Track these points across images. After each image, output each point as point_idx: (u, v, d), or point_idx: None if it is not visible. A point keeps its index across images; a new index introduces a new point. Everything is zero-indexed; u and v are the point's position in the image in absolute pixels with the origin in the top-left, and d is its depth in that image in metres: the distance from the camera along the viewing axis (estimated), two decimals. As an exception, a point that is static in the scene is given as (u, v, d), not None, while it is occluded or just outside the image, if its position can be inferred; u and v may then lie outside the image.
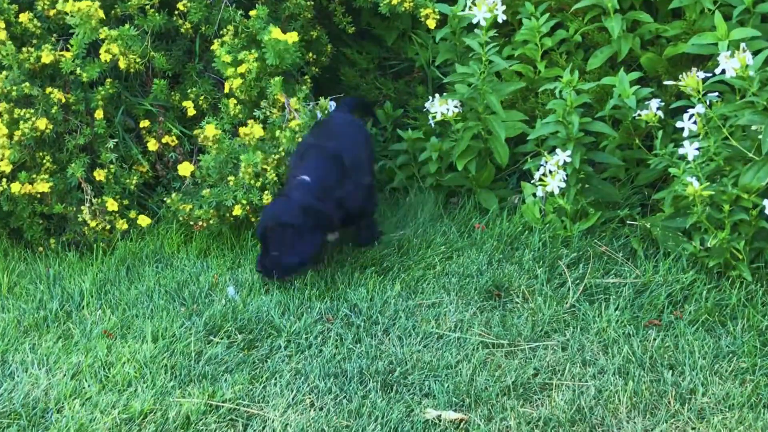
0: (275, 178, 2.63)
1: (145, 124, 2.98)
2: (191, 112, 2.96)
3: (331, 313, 2.31)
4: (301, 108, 2.75)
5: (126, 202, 2.91)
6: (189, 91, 2.99)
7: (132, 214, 2.90)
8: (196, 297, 2.45)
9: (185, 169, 2.75)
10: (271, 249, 2.40)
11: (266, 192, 2.62)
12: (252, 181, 2.62)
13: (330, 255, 2.57)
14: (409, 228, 2.77)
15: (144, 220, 2.84)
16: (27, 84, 2.75)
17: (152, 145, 2.96)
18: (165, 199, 2.88)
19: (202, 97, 2.98)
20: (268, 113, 2.81)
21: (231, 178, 2.67)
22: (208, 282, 2.53)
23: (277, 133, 2.69)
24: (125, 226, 2.85)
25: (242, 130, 2.67)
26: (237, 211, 2.63)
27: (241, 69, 2.77)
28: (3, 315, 2.36)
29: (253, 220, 2.70)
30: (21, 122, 2.73)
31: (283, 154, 2.70)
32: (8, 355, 2.16)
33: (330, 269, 2.52)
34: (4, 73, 2.76)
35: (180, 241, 2.81)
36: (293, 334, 2.21)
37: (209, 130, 2.69)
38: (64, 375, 2.06)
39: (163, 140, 2.98)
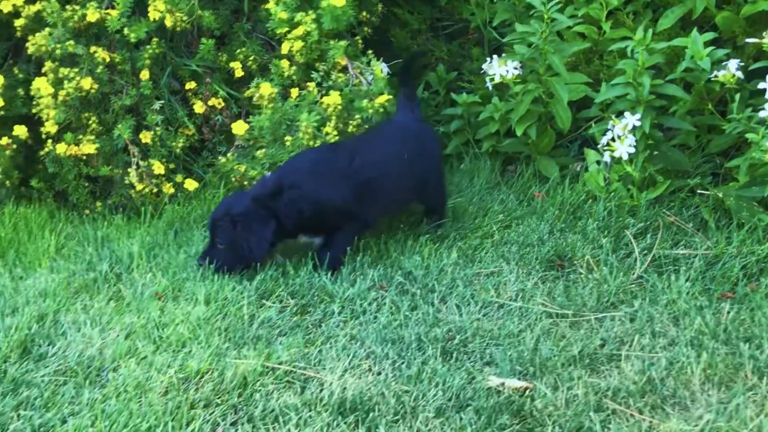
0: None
1: (191, 85, 3.03)
2: (239, 73, 3.01)
3: (385, 280, 2.35)
4: (363, 71, 2.78)
5: (172, 165, 2.98)
6: (237, 51, 3.04)
7: (178, 177, 2.97)
8: (245, 262, 2.52)
9: (239, 127, 2.80)
10: (218, 241, 2.36)
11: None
12: (311, 142, 2.66)
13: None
14: (464, 195, 2.78)
15: (191, 184, 2.91)
16: (71, 42, 2.82)
17: (198, 108, 3.02)
18: (214, 161, 2.95)
19: (251, 58, 3.02)
20: (325, 75, 2.84)
21: (288, 138, 2.71)
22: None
23: (364, 103, 2.73)
24: (172, 190, 2.92)
25: (326, 99, 2.70)
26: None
27: (298, 31, 2.81)
28: (53, 275, 2.46)
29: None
30: (66, 82, 2.81)
31: (360, 120, 2.74)
32: (60, 314, 2.24)
33: (383, 236, 2.55)
34: (48, 30, 2.83)
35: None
36: (347, 301, 2.25)
37: (265, 88, 2.72)
38: (118, 335, 2.14)
39: (210, 102, 3.03)
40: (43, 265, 2.54)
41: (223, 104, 3.05)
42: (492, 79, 2.79)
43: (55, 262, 2.56)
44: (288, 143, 2.72)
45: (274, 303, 2.27)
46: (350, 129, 2.75)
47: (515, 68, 2.74)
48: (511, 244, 2.47)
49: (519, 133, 2.79)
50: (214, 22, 2.98)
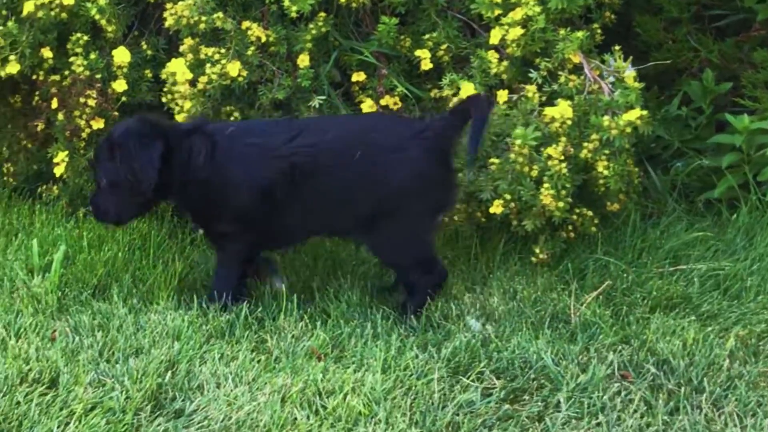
0: (564, 171, 2.85)
1: (359, 77, 3.34)
2: (426, 65, 3.28)
3: (631, 367, 2.49)
4: (604, 73, 2.96)
5: (330, 182, 3.29)
6: (425, 36, 3.32)
7: (333, 198, 3.27)
8: (425, 322, 2.75)
9: (427, 142, 3.05)
10: (99, 176, 2.86)
11: (545, 186, 2.85)
12: (525, 168, 2.88)
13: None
14: (741, 261, 2.88)
15: (349, 209, 3.20)
16: (220, 15, 3.19)
17: (368, 108, 3.29)
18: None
19: (444, 46, 3.29)
20: (548, 76, 3.05)
21: (494, 160, 2.94)
22: (440, 305, 2.82)
23: (605, 120, 2.90)
24: (323, 213, 3.22)
25: (550, 110, 2.92)
26: (496, 208, 2.89)
27: (516, 15, 3.05)
28: (179, 313, 2.79)
29: (514, 223, 2.96)
30: (208, 65, 3.19)
31: (597, 143, 2.91)
32: (194, 363, 2.55)
33: (623, 307, 2.70)
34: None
35: (401, 244, 3.14)
36: (577, 391, 2.40)
37: (467, 91, 2.97)
38: (269, 398, 2.41)
39: (383, 101, 3.31)
40: (165, 298, 2.89)
41: (399, 104, 3.32)
42: (796, 99, 2.89)
43: (180, 296, 2.91)
44: (494, 167, 2.94)
45: (472, 382, 2.47)
46: (583, 154, 2.93)
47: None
48: (815, 335, 2.54)
49: (830, 176, 2.86)
50: (400, -4, 3.28)
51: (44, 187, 3.56)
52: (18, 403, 2.36)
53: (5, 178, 3.80)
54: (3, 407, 2.33)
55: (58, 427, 2.27)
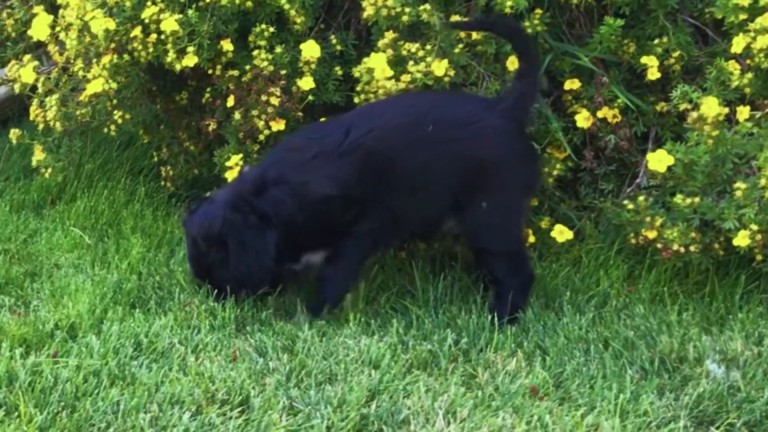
0: None
1: (573, 85, 3.43)
2: (653, 74, 3.34)
3: None
4: None
5: (534, 202, 3.38)
6: (655, 41, 3.36)
7: (543, 222, 3.35)
8: (656, 363, 2.80)
9: (659, 161, 3.12)
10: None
11: (799, 216, 2.87)
12: (775, 196, 2.89)
13: None
14: None
15: (562, 234, 3.28)
16: (426, 7, 3.31)
17: (583, 120, 3.39)
18: (594, 203, 3.28)
19: (676, 53, 3.35)
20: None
21: (739, 185, 2.98)
22: (675, 346, 2.87)
23: None
24: (532, 239, 3.31)
25: None
26: (741, 239, 2.93)
27: (765, 21, 3.07)
28: (373, 339, 2.91)
29: (759, 258, 2.98)
30: (410, 63, 3.32)
31: None
32: (397, 395, 2.66)
33: None
34: (395, -13, 3.35)
35: (622, 275, 3.20)
36: None
37: (710, 106, 3.02)
38: (488, 440, 2.50)
39: (600, 114, 3.39)
40: (352, 321, 3.02)
41: (619, 118, 3.40)
42: None
43: (373, 321, 3.03)
44: (739, 193, 2.97)
45: (722, 434, 2.51)
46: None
47: None
48: None
49: None
50: (627, -5, 3.34)
51: (207, 194, 3.70)
52: (211, 424, 2.52)
53: (163, 183, 4.04)
54: (195, 427, 2.50)
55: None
